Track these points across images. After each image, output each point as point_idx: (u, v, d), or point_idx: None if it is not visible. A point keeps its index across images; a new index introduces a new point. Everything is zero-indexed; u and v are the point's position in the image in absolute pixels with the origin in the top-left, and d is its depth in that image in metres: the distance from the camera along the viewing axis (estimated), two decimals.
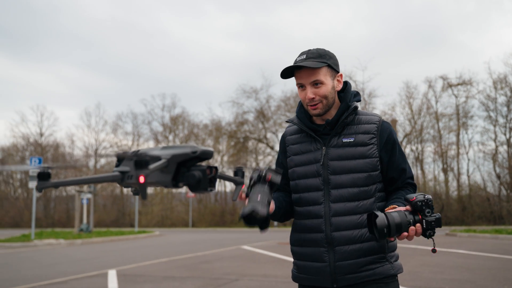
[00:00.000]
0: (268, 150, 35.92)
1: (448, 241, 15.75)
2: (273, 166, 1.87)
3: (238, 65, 54.36)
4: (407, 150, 32.79)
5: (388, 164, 1.92)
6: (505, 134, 29.69)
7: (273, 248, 13.68)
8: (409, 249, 12.35)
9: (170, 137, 39.45)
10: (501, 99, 29.98)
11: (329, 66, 1.91)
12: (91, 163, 38.49)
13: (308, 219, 1.93)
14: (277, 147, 35.12)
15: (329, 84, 1.91)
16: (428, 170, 32.96)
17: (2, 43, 56.69)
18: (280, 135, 35.36)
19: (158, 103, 52.53)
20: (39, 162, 18.33)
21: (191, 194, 33.48)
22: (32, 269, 9.83)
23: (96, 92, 57.59)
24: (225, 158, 37.03)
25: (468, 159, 31.39)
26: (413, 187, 1.98)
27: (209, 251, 13.37)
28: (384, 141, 1.92)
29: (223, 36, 55.33)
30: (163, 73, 56.14)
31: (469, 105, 31.53)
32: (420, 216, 1.65)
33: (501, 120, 29.95)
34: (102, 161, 39.81)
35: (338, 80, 1.97)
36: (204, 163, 0.92)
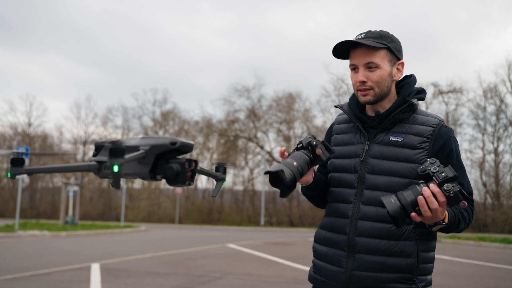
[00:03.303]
0: (258, 149, 35.93)
1: None
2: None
3: (230, 64, 54.28)
4: None
5: None
6: (493, 143, 30.01)
7: (259, 248, 13.67)
8: None
9: (161, 133, 39.28)
10: (491, 108, 30.30)
11: (389, 49, 1.71)
12: (79, 156, 38.17)
13: (334, 217, 1.76)
14: (266, 147, 35.14)
15: (385, 70, 1.70)
16: None
17: None
18: (271, 135, 35.41)
19: (150, 98, 52.35)
20: (27, 155, 18.14)
21: (178, 190, 33.36)
22: (15, 259, 9.71)
23: (87, 84, 57.13)
24: (215, 156, 36.97)
25: None
26: (470, 203, 1.69)
27: (194, 248, 13.32)
28: (439, 148, 1.67)
29: (217, 34, 55.25)
30: (156, 68, 55.88)
31: (459, 113, 31.84)
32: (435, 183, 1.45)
33: (490, 129, 30.27)
34: (90, 153, 39.49)
35: (398, 69, 1.76)
36: (183, 157, 0.90)
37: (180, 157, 0.89)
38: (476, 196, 30.35)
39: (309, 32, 51.43)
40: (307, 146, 1.57)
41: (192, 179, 0.90)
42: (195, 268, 8.82)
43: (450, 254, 12.64)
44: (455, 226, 1.61)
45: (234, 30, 54.16)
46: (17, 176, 0.85)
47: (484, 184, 29.71)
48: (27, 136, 40.98)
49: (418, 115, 1.73)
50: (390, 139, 1.69)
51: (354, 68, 1.73)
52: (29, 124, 41.44)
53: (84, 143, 39.98)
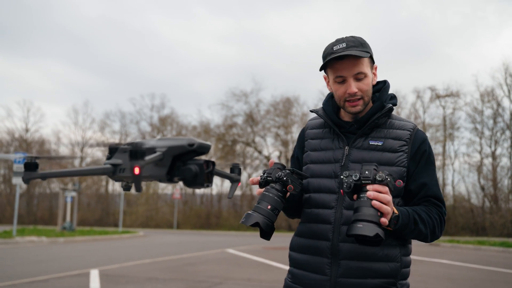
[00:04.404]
0: (256, 154, 35.91)
1: (431, 251, 15.84)
2: (294, 168, 1.71)
3: (228, 69, 54.24)
4: None
5: (411, 176, 1.68)
6: (490, 147, 30.06)
7: (258, 253, 13.63)
8: None
9: (158, 138, 39.21)
10: (488, 112, 30.38)
11: (370, 56, 1.71)
12: (77, 161, 38.04)
13: (315, 223, 1.71)
14: (265, 152, 35.12)
15: (370, 78, 1.71)
16: None
17: None
18: (269, 140, 35.38)
19: (147, 103, 52.20)
20: (23, 160, 18.04)
21: (177, 195, 33.27)
22: (13, 266, 9.65)
23: (84, 89, 57.02)
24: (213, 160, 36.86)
25: (454, 170, 31.71)
26: (438, 209, 1.69)
27: (193, 253, 13.27)
28: (416, 150, 1.69)
29: (214, 40, 55.23)
30: (153, 73, 55.82)
31: (456, 117, 31.90)
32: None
33: (487, 133, 30.33)
34: (88, 159, 39.43)
35: (374, 73, 1.76)
36: (200, 158, 0.89)
37: (197, 158, 0.88)
38: (474, 200, 30.40)
39: (305, 36, 51.52)
40: (277, 181, 1.55)
41: (210, 180, 0.89)
42: (195, 273, 8.78)
43: (449, 258, 12.63)
44: (411, 225, 1.58)
45: (231, 35, 54.24)
46: (31, 181, 0.84)
47: (482, 188, 29.75)
48: (24, 141, 40.83)
49: (394, 120, 1.75)
50: (370, 143, 1.69)
51: (342, 80, 1.69)
52: (27, 130, 41.31)
53: (82, 148, 39.87)
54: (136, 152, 0.77)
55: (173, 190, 33.97)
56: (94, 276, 8.17)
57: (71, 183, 24.23)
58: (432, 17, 45.60)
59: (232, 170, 1.10)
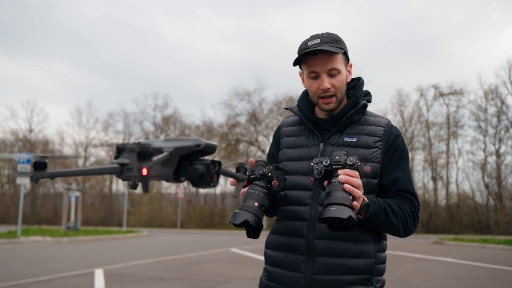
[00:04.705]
0: (259, 153, 35.89)
1: (436, 249, 15.82)
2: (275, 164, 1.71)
3: (231, 68, 54.27)
4: None
5: (384, 171, 1.69)
6: (494, 145, 29.99)
7: (262, 251, 13.59)
8: (398, 257, 12.38)
9: (162, 137, 39.16)
10: (492, 109, 30.33)
11: (344, 53, 1.71)
12: (80, 161, 38.19)
13: (290, 220, 1.70)
14: (268, 151, 35.11)
15: (344, 74, 1.71)
16: (417, 178, 33.11)
17: None
18: (271, 138, 35.43)
19: (150, 102, 52.35)
20: (28, 160, 18.08)
21: (180, 195, 33.32)
22: (17, 266, 9.69)
23: (87, 90, 57.20)
24: (216, 160, 36.89)
25: (458, 168, 31.65)
26: (410, 203, 1.69)
27: (197, 252, 13.29)
28: (389, 145, 1.70)
29: (216, 39, 55.29)
30: (156, 73, 55.93)
31: (460, 115, 31.84)
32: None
33: (491, 131, 30.27)
34: (92, 159, 39.54)
35: (348, 71, 1.76)
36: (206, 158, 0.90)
37: (204, 158, 0.89)
38: (478, 198, 30.32)
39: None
40: (262, 178, 1.54)
41: (216, 180, 0.89)
42: (199, 272, 8.80)
43: (454, 257, 12.61)
44: (382, 215, 1.58)
45: (234, 34, 54.27)
46: (40, 180, 0.85)
47: (486, 186, 29.68)
48: (28, 142, 40.99)
49: (368, 117, 1.76)
50: (345, 140, 1.70)
51: (315, 76, 1.70)
52: (30, 130, 41.48)
53: (85, 148, 39.97)
54: (143, 153, 0.77)
55: (177, 189, 34.03)
56: (99, 276, 8.19)
57: (75, 183, 24.30)
58: (435, 15, 45.51)
59: (238, 170, 1.10)
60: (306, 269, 1.63)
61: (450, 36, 46.68)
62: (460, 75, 50.11)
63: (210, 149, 0.88)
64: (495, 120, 30.07)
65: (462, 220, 29.03)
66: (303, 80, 1.79)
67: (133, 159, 0.81)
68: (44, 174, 0.83)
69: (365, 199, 1.53)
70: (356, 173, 1.46)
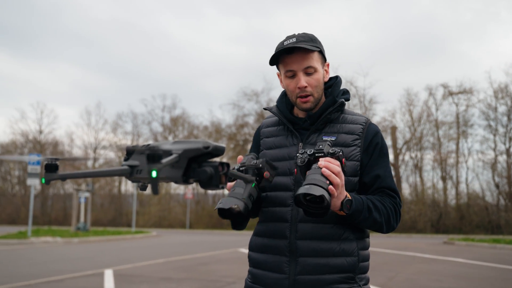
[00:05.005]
0: None
1: (446, 249, 15.72)
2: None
3: (239, 69, 54.29)
4: (406, 157, 32.74)
5: (365, 168, 1.69)
6: (504, 144, 29.70)
7: None
8: (407, 257, 12.33)
9: (170, 138, 39.40)
10: (502, 108, 30.02)
11: (320, 52, 1.72)
12: (89, 162, 38.40)
13: (271, 221, 1.70)
14: None
15: (321, 73, 1.72)
16: (427, 177, 32.91)
17: (4, 40, 56.66)
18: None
19: (159, 103, 52.51)
20: (38, 162, 18.23)
21: (189, 195, 33.41)
22: (28, 266, 9.77)
23: (96, 91, 57.57)
24: (224, 160, 36.94)
25: (467, 168, 31.38)
26: (392, 199, 1.69)
27: (206, 253, 13.32)
28: (368, 142, 1.70)
29: (224, 40, 55.37)
30: (164, 74, 56.14)
31: (469, 114, 31.56)
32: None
33: (501, 130, 29.97)
34: (101, 159, 39.77)
35: (325, 70, 1.78)
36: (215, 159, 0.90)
37: (212, 160, 0.90)
38: (489, 198, 30.06)
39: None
40: (254, 169, 1.52)
41: (225, 182, 0.90)
42: (208, 273, 8.82)
43: (464, 257, 12.51)
44: (365, 212, 1.58)
45: (241, 35, 54.32)
46: (51, 182, 0.86)
47: (497, 186, 29.41)
48: (38, 143, 41.34)
49: (347, 115, 1.76)
50: (324, 139, 1.69)
51: (291, 74, 1.71)
52: (40, 132, 41.83)
53: (95, 149, 40.23)
54: (153, 155, 0.78)
55: (185, 190, 34.11)
56: (109, 276, 8.24)
57: (84, 184, 24.45)
58: (443, 14, 45.21)
59: (246, 171, 1.11)
60: (289, 270, 1.63)
61: (459, 34, 46.40)
62: (470, 74, 49.77)
63: (219, 151, 0.88)
64: (505, 119, 29.78)
65: (472, 220, 28.79)
66: (281, 81, 1.80)
67: (142, 161, 0.82)
68: (55, 176, 0.84)
69: (348, 196, 1.55)
70: (337, 162, 1.47)
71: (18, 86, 58.28)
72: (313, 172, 1.45)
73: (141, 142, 39.61)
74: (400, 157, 32.75)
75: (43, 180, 0.84)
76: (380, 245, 16.55)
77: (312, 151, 1.49)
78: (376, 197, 1.67)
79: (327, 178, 1.44)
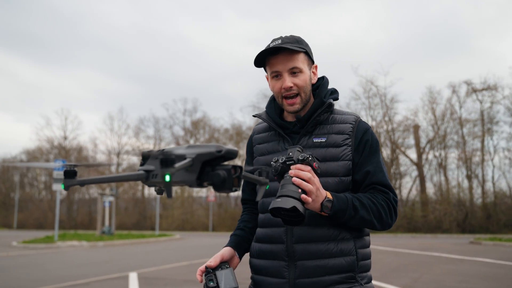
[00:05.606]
0: None
1: (473, 249, 15.42)
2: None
3: (258, 71, 53.99)
4: (429, 156, 32.26)
5: (356, 167, 1.67)
6: None
7: None
8: (432, 257, 12.14)
9: (191, 141, 39.70)
10: None
11: (306, 53, 1.72)
12: (113, 167, 39.00)
13: (269, 227, 1.70)
14: None
15: (307, 74, 1.71)
16: (451, 176, 32.40)
17: (29, 49, 58.10)
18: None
19: (180, 107, 52.99)
20: (62, 168, 18.57)
21: (211, 198, 33.60)
22: (55, 270, 9.98)
23: (119, 96, 58.51)
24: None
25: (493, 166, 30.74)
26: (384, 195, 1.65)
27: None
28: (358, 141, 1.69)
29: (243, 42, 55.62)
30: (185, 78, 56.70)
31: (494, 111, 30.96)
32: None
33: None
34: (124, 164, 40.33)
35: (313, 72, 1.77)
36: (228, 163, 0.92)
37: (226, 163, 0.91)
38: None
39: (334, 35, 51.13)
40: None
41: (238, 184, 0.91)
42: None
43: (492, 257, 12.25)
44: (351, 211, 1.56)
45: (260, 37, 54.41)
46: (70, 188, 0.89)
47: None
48: (63, 149, 42.19)
49: (336, 115, 1.74)
50: (314, 141, 1.69)
51: (276, 75, 1.70)
52: (65, 138, 42.70)
53: (118, 154, 40.81)
54: (166, 160, 0.80)
55: (208, 193, 34.31)
56: (133, 279, 8.35)
57: (108, 188, 24.84)
58: (465, 10, 44.47)
59: (260, 174, 1.12)
60: (289, 274, 1.63)
61: (481, 30, 45.55)
62: (494, 70, 48.79)
63: (232, 155, 0.90)
64: None
65: (499, 219, 28.17)
66: (269, 85, 1.79)
67: (157, 165, 0.84)
68: (74, 182, 0.87)
69: (329, 196, 1.53)
70: (308, 168, 1.47)
71: (43, 93, 59.67)
72: (285, 182, 1.46)
73: (163, 146, 40.00)
74: (424, 156, 32.30)
75: (62, 186, 0.87)
76: (404, 246, 16.34)
77: (284, 159, 1.49)
78: (367, 194, 1.64)
79: (299, 186, 1.44)
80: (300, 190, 1.44)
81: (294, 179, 1.44)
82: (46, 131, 54.83)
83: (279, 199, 1.41)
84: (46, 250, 16.29)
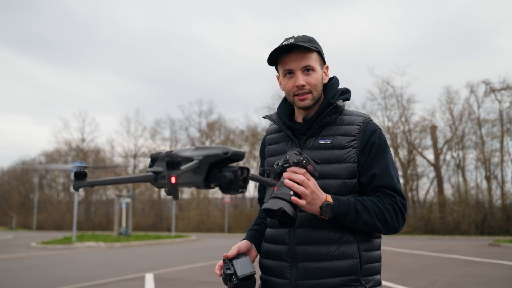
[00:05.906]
0: None
1: (492, 251, 15.16)
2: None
3: (273, 72, 54.29)
4: (447, 157, 31.86)
5: (362, 169, 1.64)
6: None
7: None
8: (450, 259, 11.98)
9: (207, 143, 39.85)
10: None
11: (318, 53, 1.71)
12: (130, 168, 39.36)
13: (274, 228, 1.72)
14: None
15: (319, 73, 1.70)
16: (470, 177, 31.94)
17: (47, 53, 59.03)
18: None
19: (195, 109, 53.38)
20: (73, 170, 18.82)
21: (227, 199, 33.68)
22: (73, 270, 10.11)
23: (135, 99, 59.06)
24: None
25: None
26: (390, 198, 1.62)
27: None
28: (365, 143, 1.65)
29: (258, 44, 55.69)
30: (200, 80, 56.98)
31: None
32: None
33: None
34: (141, 165, 40.66)
35: (325, 72, 1.76)
36: (235, 165, 0.92)
37: (232, 165, 0.92)
38: None
39: (349, 36, 50.89)
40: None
41: (245, 186, 0.92)
42: None
43: None
44: (353, 214, 1.55)
45: (275, 38, 54.43)
46: (80, 189, 0.91)
47: None
48: (81, 151, 42.74)
49: (345, 116, 1.72)
50: (320, 142, 1.67)
51: (289, 72, 1.70)
52: (83, 140, 43.26)
53: (134, 156, 41.19)
54: (172, 162, 0.81)
55: (223, 194, 34.37)
56: (149, 280, 8.41)
57: (125, 190, 25.07)
58: (482, 8, 43.84)
59: (268, 175, 1.13)
60: (291, 275, 1.63)
61: (499, 29, 44.83)
62: None
63: (238, 157, 0.90)
64: None
65: None
66: (280, 84, 1.79)
67: (165, 167, 0.85)
68: (84, 183, 0.89)
69: (329, 199, 1.53)
70: (302, 170, 1.47)
71: (61, 96, 60.54)
72: (279, 184, 1.47)
73: (179, 147, 40.20)
74: (441, 157, 31.91)
75: (73, 187, 0.89)
76: (421, 248, 16.16)
77: (282, 162, 1.50)
78: (372, 198, 1.62)
79: (290, 190, 1.45)
80: (291, 192, 1.44)
81: (286, 181, 1.45)
82: (64, 134, 55.80)
83: (269, 201, 1.43)
84: (64, 251, 16.51)
